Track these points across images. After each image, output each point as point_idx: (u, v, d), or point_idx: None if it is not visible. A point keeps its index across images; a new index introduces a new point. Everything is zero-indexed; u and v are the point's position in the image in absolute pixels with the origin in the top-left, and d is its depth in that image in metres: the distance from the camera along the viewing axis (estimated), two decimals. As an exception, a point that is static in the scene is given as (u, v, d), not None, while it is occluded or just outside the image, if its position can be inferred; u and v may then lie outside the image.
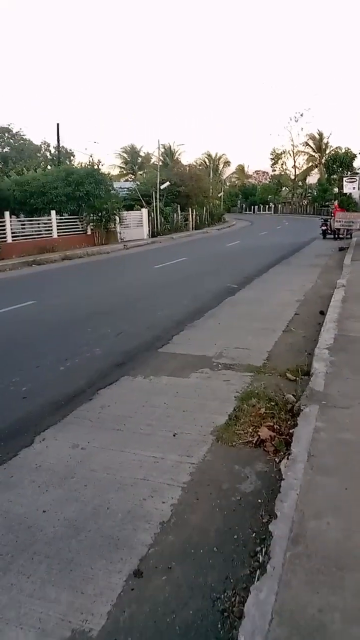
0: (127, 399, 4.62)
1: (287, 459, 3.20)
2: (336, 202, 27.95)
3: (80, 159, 27.19)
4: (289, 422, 3.88)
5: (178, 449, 3.63)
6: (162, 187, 30.65)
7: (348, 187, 42.35)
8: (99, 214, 23.59)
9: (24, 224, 21.64)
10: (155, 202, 30.14)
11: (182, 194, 37.06)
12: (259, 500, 2.97)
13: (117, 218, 25.56)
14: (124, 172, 58.41)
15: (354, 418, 3.62)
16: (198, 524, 2.79)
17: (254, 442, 3.69)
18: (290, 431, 3.63)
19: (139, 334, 6.98)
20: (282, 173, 72.08)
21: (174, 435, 3.84)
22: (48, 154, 47.64)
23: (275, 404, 4.27)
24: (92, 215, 23.45)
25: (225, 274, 13.08)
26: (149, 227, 29.57)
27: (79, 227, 23.61)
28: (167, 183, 31.04)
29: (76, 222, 23.42)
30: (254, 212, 77.16)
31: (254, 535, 2.65)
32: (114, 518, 2.86)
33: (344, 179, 43.62)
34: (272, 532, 2.42)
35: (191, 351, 6.05)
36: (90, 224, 23.82)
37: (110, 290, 11.22)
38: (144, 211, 29.22)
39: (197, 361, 5.66)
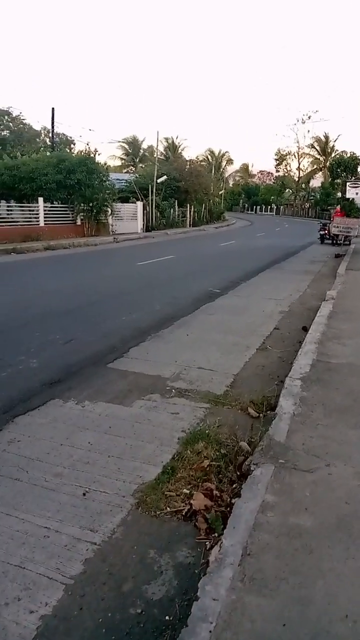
0: (45, 433, 3.73)
1: (219, 549, 2.32)
2: (338, 207, 27.01)
3: (81, 148, 26.33)
4: (234, 486, 2.99)
5: (83, 517, 2.74)
6: (159, 180, 29.67)
7: (351, 192, 41.49)
8: (90, 204, 22.64)
9: (10, 210, 20.64)
10: (152, 195, 29.17)
11: (181, 189, 36.11)
12: (167, 618, 2.09)
13: (110, 210, 24.59)
14: (125, 163, 57.26)
15: (316, 490, 2.73)
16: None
17: (185, 512, 2.80)
18: (233, 501, 2.75)
19: (92, 342, 6.09)
20: (286, 174, 71.16)
21: (84, 495, 2.95)
22: (47, 139, 46.47)
23: (224, 454, 3.38)
24: (82, 205, 22.50)
25: (211, 276, 12.20)
26: (143, 221, 28.64)
27: (68, 217, 22.65)
28: (165, 177, 30.05)
29: (66, 211, 22.46)
30: (255, 212, 76.16)
31: None
32: None
33: (348, 183, 42.77)
34: None
35: (145, 369, 5.15)
36: (81, 214, 22.86)
37: (80, 286, 10.29)
38: (139, 204, 28.28)
39: (149, 383, 4.76)
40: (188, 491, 3.00)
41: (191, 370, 5.17)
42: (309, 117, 62.40)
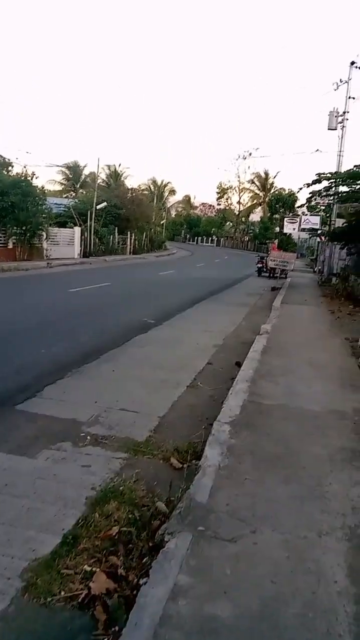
0: None
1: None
2: (275, 241, 27.93)
3: (19, 170, 25.31)
4: (145, 560, 2.53)
5: None
6: (99, 207, 29.36)
7: (288, 227, 43.47)
8: (24, 228, 21.80)
9: None
10: (90, 221, 28.72)
11: (122, 216, 35.97)
12: None
13: (45, 234, 23.83)
14: (66, 188, 56.54)
15: (238, 567, 2.32)
16: None
17: (81, 598, 2.30)
18: (141, 581, 2.28)
19: (1, 379, 5.45)
20: (227, 207, 73.30)
21: None
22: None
23: (137, 518, 2.91)
24: (15, 228, 21.61)
25: (146, 306, 11.82)
26: (81, 246, 28.02)
27: (-1, 240, 21.65)
28: (104, 203, 29.78)
29: (-2, 233, 21.48)
30: (197, 242, 77.46)
31: None
32: None
33: (285, 219, 44.78)
34: None
35: (59, 412, 4.60)
36: (13, 237, 21.93)
37: None
38: (77, 230, 27.69)
39: (61, 429, 4.22)
40: (90, 568, 2.49)
41: (112, 412, 4.68)
42: (250, 154, 64.93)
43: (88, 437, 4.07)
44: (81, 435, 4.12)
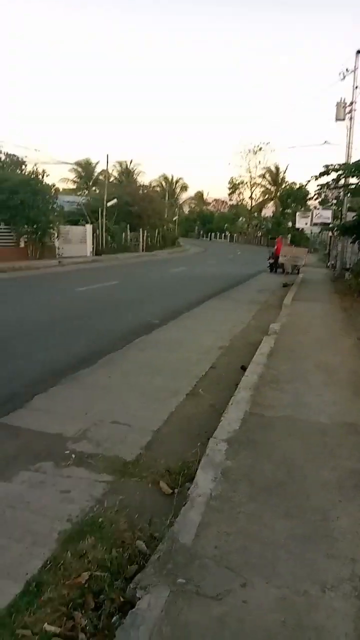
0: None
1: None
2: (280, 236, 27.28)
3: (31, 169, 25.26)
4: (113, 619, 2.14)
5: None
6: (109, 204, 29.07)
7: (301, 222, 42.65)
8: (35, 226, 21.62)
9: None
10: (102, 219, 28.45)
11: (134, 213, 35.68)
12: None
13: (56, 232, 23.63)
14: (79, 186, 56.37)
15: (222, 636, 1.92)
16: None
17: (34, 673, 1.92)
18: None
19: (-10, 388, 5.12)
20: (239, 203, 72.49)
21: None
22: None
23: (112, 561, 2.53)
24: (26, 226, 21.43)
25: (152, 305, 11.46)
26: (93, 244, 27.79)
27: (10, 239, 21.49)
28: (115, 200, 29.47)
29: (8, 232, 21.31)
30: (210, 239, 76.90)
31: None
32: None
33: (297, 214, 43.97)
34: None
35: (45, 425, 4.24)
36: (24, 236, 21.77)
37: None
38: (88, 227, 27.47)
39: (44, 446, 3.86)
40: (51, 628, 2.12)
41: (102, 425, 4.31)
42: (260, 149, 64.11)
43: (73, 456, 3.70)
44: (65, 453, 3.75)
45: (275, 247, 23.52)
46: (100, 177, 52.82)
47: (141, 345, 7.38)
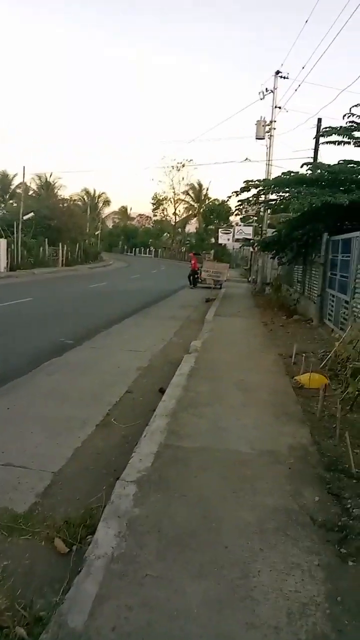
0: None
1: None
2: (192, 253, 27.92)
3: None
4: None
5: None
6: (26, 217, 27.84)
7: (223, 238, 43.66)
8: None
9: None
10: (17, 233, 27.10)
11: (54, 227, 34.51)
12: None
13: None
14: (-6, 199, 53.83)
15: None
16: None
17: None
18: None
19: None
20: (164, 219, 73.08)
21: None
22: None
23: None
24: None
25: (68, 323, 10.80)
26: (7, 259, 26.34)
27: None
28: (31, 214, 28.30)
29: None
30: (135, 254, 76.66)
31: None
32: None
33: (220, 230, 45.01)
34: None
35: None
36: None
37: None
38: (2, 242, 26.04)
39: None
40: None
41: (-7, 469, 3.68)
42: (183, 165, 65.17)
43: None
44: None
45: (192, 262, 23.99)
46: (18, 190, 50.82)
47: (50, 369, 6.74)
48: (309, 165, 12.03)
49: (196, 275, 23.41)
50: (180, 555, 2.50)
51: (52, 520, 3.06)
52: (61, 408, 5.15)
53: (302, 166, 12.18)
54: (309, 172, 12.09)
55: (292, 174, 12.09)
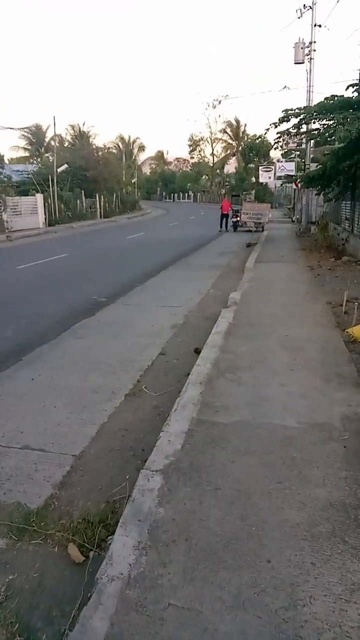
0: None
1: None
2: (224, 195, 26.74)
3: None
4: None
5: None
6: (60, 170, 27.17)
7: (264, 177, 41.43)
8: (-26, 200, 19.86)
9: None
10: (53, 186, 26.58)
11: (89, 178, 33.67)
12: None
13: (2, 205, 21.86)
14: (32, 154, 53.10)
15: None
16: None
17: None
18: None
19: None
20: (201, 160, 70.20)
21: None
22: None
23: None
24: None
25: (103, 279, 10.39)
26: (45, 214, 26.00)
27: None
28: (65, 166, 27.55)
29: None
30: (173, 200, 74.69)
31: None
32: None
33: (260, 168, 42.65)
34: None
35: None
36: None
37: None
38: (39, 197, 25.57)
39: None
40: None
41: (9, 454, 3.34)
42: (220, 102, 61.45)
43: None
44: None
45: (221, 205, 23.08)
46: (53, 143, 49.87)
47: (80, 332, 6.35)
48: (356, 87, 10.55)
49: (234, 219, 22.29)
50: (212, 576, 2.04)
51: (69, 517, 2.68)
52: (89, 377, 4.75)
53: (347, 88, 10.71)
54: (356, 94, 10.65)
55: (336, 98, 10.68)
